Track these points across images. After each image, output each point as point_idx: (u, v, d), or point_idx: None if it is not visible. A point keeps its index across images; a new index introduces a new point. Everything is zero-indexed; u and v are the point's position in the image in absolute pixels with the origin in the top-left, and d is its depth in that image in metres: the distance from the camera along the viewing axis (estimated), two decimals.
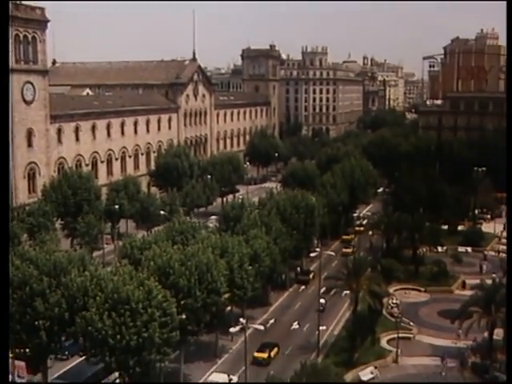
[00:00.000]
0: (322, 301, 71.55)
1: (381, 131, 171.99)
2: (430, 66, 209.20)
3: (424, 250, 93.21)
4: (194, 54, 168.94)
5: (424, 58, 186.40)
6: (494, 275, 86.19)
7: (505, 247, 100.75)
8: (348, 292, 68.05)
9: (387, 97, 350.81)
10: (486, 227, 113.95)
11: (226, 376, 57.87)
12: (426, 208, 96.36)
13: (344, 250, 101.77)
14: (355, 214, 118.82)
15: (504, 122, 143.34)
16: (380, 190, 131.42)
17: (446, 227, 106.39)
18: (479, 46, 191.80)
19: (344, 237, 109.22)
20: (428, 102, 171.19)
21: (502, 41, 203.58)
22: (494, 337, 62.90)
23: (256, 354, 63.04)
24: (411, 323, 71.83)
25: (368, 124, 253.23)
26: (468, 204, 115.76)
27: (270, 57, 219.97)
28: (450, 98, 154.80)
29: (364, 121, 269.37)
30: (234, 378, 58.42)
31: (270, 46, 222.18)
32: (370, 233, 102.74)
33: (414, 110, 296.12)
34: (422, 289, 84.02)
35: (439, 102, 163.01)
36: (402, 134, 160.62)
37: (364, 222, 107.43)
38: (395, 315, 71.07)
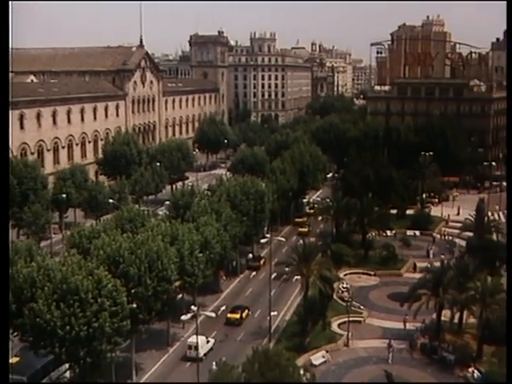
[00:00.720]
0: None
1: (329, 117, 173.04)
2: (378, 53, 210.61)
3: (373, 234, 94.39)
4: (141, 40, 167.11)
5: (371, 45, 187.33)
6: (442, 256, 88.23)
7: (452, 230, 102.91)
8: (299, 277, 68.72)
9: (336, 83, 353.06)
10: (434, 211, 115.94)
11: (204, 338, 61.32)
12: (375, 193, 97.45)
13: (300, 229, 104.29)
14: (305, 200, 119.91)
15: (450, 106, 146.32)
16: (329, 175, 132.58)
17: (394, 211, 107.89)
18: (425, 33, 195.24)
19: (296, 219, 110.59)
20: (376, 88, 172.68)
21: (448, 27, 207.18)
22: (442, 318, 64.32)
23: (229, 315, 69.72)
24: (361, 307, 72.75)
25: (317, 110, 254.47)
26: (416, 188, 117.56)
27: (219, 43, 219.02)
28: (398, 84, 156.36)
29: (313, 107, 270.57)
30: (211, 341, 63.23)
31: (219, 32, 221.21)
32: (320, 218, 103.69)
33: (362, 96, 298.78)
34: (372, 273, 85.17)
35: (387, 87, 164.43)
36: (351, 120, 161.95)
37: (314, 207, 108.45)
38: (346, 299, 71.96)
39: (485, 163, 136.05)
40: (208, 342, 62.66)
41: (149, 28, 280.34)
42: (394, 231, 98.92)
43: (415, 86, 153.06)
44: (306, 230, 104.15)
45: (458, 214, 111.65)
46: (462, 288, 63.07)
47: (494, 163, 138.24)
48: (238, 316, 70.07)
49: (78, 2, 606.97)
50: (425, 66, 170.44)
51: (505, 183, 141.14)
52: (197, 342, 55.63)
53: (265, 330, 66.10)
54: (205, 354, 60.62)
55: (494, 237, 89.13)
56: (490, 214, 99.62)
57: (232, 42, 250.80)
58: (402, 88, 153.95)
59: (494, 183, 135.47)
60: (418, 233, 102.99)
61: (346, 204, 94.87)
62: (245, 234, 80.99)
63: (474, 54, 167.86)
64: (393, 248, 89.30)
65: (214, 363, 52.40)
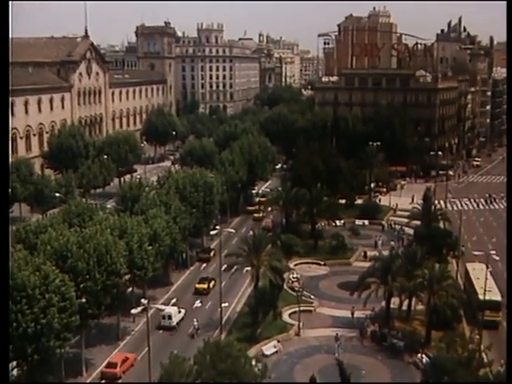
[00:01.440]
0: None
1: (278, 108, 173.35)
2: (325, 44, 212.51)
3: (322, 224, 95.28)
4: (86, 30, 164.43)
5: (319, 36, 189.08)
6: (392, 243, 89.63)
7: (400, 219, 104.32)
8: (249, 268, 68.91)
9: (284, 74, 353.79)
10: (382, 200, 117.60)
11: (176, 308, 67.25)
12: (324, 183, 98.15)
13: (255, 215, 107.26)
14: (254, 191, 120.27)
15: (397, 96, 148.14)
16: (278, 166, 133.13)
17: (343, 201, 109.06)
18: (372, 24, 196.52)
19: (248, 208, 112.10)
20: (324, 79, 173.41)
21: (394, 19, 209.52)
22: (391, 305, 65.37)
23: (197, 286, 76.08)
24: (312, 296, 73.43)
25: (265, 101, 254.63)
26: (364, 178, 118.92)
27: (165, 34, 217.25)
28: (345, 75, 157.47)
29: (261, 98, 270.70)
30: (183, 311, 68.27)
31: (165, 22, 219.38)
32: (269, 209, 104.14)
33: (310, 87, 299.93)
34: (322, 262, 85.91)
35: (334, 78, 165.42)
36: (299, 111, 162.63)
37: (265, 197, 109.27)
38: (296, 289, 72.39)
39: (431, 152, 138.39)
40: (180, 312, 67.83)
41: (94, 18, 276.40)
42: (343, 221, 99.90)
43: (362, 77, 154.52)
44: (260, 215, 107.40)
45: (413, 201, 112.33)
46: (410, 276, 64.16)
47: (440, 152, 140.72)
48: (205, 286, 75.77)
49: None
50: (372, 56, 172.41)
51: (451, 172, 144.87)
52: (148, 336, 55.40)
53: (216, 321, 66.16)
54: (177, 323, 66.50)
55: (441, 225, 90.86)
56: (436, 202, 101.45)
57: (179, 33, 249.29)
58: (350, 78, 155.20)
59: (441, 172, 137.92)
60: (366, 222, 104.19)
61: (295, 194, 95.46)
62: (194, 226, 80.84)
63: (419, 45, 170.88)
64: (342, 237, 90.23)
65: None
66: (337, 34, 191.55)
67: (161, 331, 63.88)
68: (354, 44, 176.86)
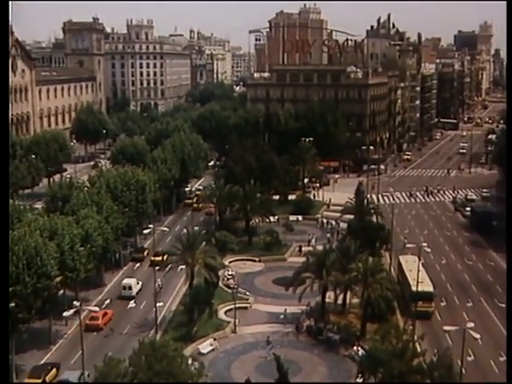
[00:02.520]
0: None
1: (210, 105, 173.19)
2: (256, 40, 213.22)
3: (256, 220, 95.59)
4: (10, 26, 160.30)
5: (250, 32, 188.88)
6: (328, 235, 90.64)
7: (333, 214, 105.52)
8: (184, 267, 68.66)
9: (215, 70, 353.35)
10: (316, 195, 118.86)
11: (135, 279, 74.89)
12: (257, 179, 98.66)
13: (195, 205, 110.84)
14: (187, 189, 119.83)
15: (328, 92, 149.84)
16: (211, 163, 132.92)
17: (277, 197, 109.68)
18: (303, 20, 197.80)
19: (186, 201, 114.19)
20: (255, 75, 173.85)
21: (324, 15, 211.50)
22: (326, 300, 66.15)
23: (152, 259, 79.02)
24: (247, 293, 73.65)
25: (197, 98, 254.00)
26: (297, 174, 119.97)
27: (94, 30, 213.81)
28: (277, 71, 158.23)
29: (193, 95, 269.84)
30: (140, 283, 74.87)
31: (93, 18, 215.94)
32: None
33: (242, 83, 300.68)
34: (257, 259, 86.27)
35: (266, 74, 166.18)
36: (231, 107, 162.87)
37: (198, 193, 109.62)
38: (231, 286, 72.62)
39: (363, 147, 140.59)
40: (138, 283, 74.89)
41: (19, 14, 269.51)
42: (277, 217, 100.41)
43: (294, 73, 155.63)
44: (199, 205, 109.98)
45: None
46: (344, 270, 65.06)
47: (371, 147, 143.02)
48: (160, 259, 78.43)
49: None
50: (303, 52, 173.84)
51: (383, 166, 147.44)
52: (81, 336, 54.53)
53: (151, 321, 65.67)
54: (137, 293, 73.64)
55: (374, 219, 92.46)
56: (369, 196, 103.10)
57: (108, 29, 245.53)
58: (281, 75, 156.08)
59: (372, 166, 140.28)
60: (300, 217, 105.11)
61: (229, 191, 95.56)
62: (127, 226, 80.00)
63: (349, 42, 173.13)
64: (276, 233, 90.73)
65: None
66: (268, 30, 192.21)
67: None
68: (285, 40, 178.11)
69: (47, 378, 54.84)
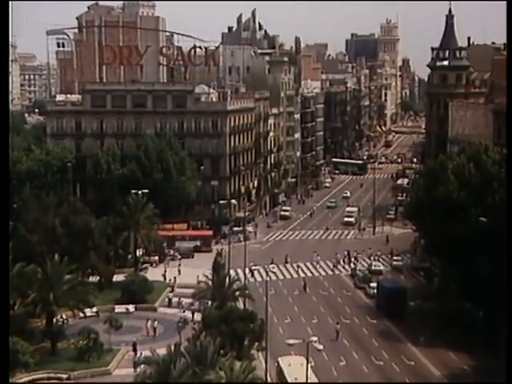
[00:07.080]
0: None
1: None
2: (59, 46, 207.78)
3: (64, 316, 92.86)
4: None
5: (48, 34, 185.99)
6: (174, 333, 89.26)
7: (182, 299, 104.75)
8: None
9: None
10: (153, 274, 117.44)
11: None
12: (65, 253, 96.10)
13: None
14: None
15: (169, 123, 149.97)
16: None
17: (96, 279, 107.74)
18: (129, 18, 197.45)
19: None
20: (59, 98, 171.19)
21: (161, 11, 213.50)
22: None
23: None
24: None
25: None
26: (126, 243, 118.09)
27: None
28: (91, 92, 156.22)
29: None
30: None
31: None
32: None
33: (37, 110, 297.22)
34: (65, 375, 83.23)
35: (75, 97, 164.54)
36: (22, 147, 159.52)
37: None
38: None
39: (221, 201, 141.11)
40: None
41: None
42: (95, 308, 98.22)
43: (117, 95, 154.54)
44: None
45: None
46: (199, 382, 63.91)
47: (233, 201, 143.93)
48: None
49: None
50: (130, 65, 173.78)
51: (251, 228, 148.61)
52: None
53: None
54: None
55: (240, 304, 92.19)
56: (232, 272, 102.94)
57: None
58: (98, 98, 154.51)
59: (236, 229, 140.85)
60: (131, 307, 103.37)
61: (18, 274, 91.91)
62: None
63: (199, 49, 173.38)
64: (95, 334, 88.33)
65: None
66: (77, 31, 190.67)
67: None
68: (104, 47, 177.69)
69: None
